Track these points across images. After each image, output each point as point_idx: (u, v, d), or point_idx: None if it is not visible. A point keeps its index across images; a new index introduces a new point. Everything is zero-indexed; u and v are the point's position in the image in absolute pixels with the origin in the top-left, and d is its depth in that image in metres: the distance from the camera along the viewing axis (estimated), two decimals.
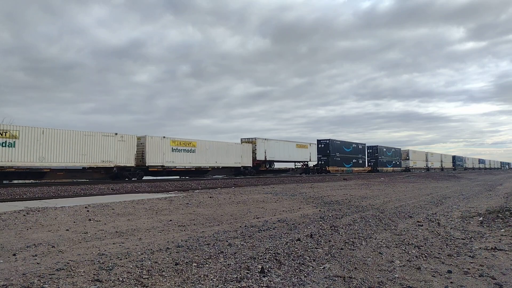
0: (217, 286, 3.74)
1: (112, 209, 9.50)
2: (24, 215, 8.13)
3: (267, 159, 40.63)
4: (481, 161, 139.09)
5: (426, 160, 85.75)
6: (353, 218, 8.59)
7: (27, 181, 21.86)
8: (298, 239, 6.00)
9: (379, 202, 12.33)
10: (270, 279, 3.98)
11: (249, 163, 37.72)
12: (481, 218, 8.67)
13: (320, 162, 50.24)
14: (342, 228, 7.20)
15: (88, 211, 9.04)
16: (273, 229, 7.01)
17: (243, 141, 39.21)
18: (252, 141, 39.13)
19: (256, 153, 38.89)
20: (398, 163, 71.76)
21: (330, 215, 9.01)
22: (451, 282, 4.01)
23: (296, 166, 47.64)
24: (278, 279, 3.99)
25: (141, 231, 6.66)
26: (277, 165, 43.72)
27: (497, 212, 9.58)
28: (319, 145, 50.73)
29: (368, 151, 64.89)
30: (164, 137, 29.17)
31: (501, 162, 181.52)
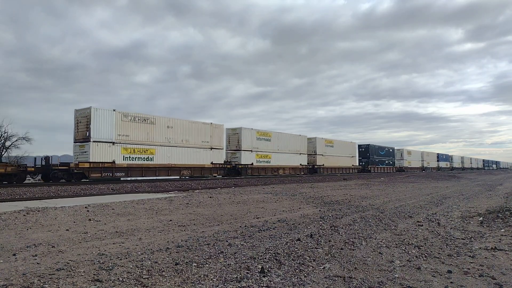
0: (217, 286, 3.74)
1: (112, 209, 9.50)
2: (24, 215, 8.13)
3: None
4: (442, 157, 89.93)
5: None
6: (353, 218, 8.58)
7: (27, 181, 21.81)
8: (298, 239, 5.99)
9: (379, 202, 12.32)
10: (270, 279, 3.97)
11: None
12: (481, 218, 8.66)
13: None
14: (342, 228, 7.20)
15: (88, 211, 9.03)
16: (273, 229, 7.01)
17: None
18: None
19: None
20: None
21: (330, 215, 9.01)
22: (451, 282, 4.01)
23: None
24: (278, 279, 3.99)
25: (141, 231, 6.66)
26: None
27: (497, 212, 9.57)
28: None
29: None
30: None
31: (483, 160, 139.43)
